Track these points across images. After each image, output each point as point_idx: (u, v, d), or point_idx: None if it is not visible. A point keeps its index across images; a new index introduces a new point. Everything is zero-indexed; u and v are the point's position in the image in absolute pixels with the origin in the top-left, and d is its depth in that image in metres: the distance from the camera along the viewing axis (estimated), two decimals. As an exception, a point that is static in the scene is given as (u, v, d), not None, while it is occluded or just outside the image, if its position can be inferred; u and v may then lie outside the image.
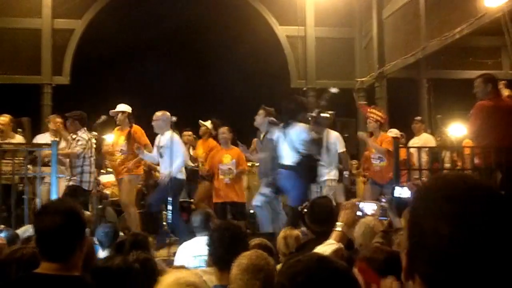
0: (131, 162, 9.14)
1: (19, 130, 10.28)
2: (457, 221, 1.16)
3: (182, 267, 3.82)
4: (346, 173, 9.81)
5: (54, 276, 2.57)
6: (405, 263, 1.26)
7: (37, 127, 12.47)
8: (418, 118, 11.35)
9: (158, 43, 16.32)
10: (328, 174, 8.96)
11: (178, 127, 9.41)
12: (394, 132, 10.66)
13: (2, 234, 5.18)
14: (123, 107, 9.37)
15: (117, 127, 9.52)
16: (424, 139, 10.44)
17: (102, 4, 14.60)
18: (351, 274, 1.87)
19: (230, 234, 3.77)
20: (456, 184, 1.22)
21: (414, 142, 10.36)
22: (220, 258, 3.68)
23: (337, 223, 3.84)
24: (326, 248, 3.62)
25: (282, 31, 15.02)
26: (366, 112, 10.09)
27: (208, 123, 10.38)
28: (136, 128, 9.32)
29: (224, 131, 9.78)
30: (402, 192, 4.91)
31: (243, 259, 3.12)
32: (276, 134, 8.07)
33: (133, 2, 15.76)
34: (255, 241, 4.86)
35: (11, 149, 8.53)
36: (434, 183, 1.27)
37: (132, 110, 9.43)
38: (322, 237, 4.05)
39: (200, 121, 10.46)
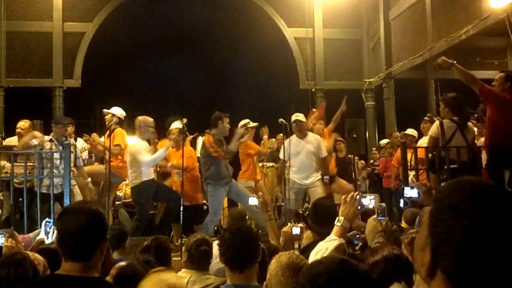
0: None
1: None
2: (483, 217, 1.24)
3: (164, 269, 3.85)
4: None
5: (76, 278, 2.65)
6: (428, 260, 1.31)
7: (49, 130, 12.61)
8: (427, 118, 11.39)
9: (168, 45, 16.37)
10: None
11: (188, 129, 9.51)
12: (411, 131, 10.77)
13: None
14: (116, 110, 9.43)
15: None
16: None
17: (113, 7, 14.68)
18: (372, 276, 1.87)
19: (242, 235, 3.78)
20: (477, 185, 1.32)
21: (423, 141, 10.38)
22: (231, 258, 3.74)
23: (338, 217, 3.69)
24: (328, 244, 3.51)
25: (290, 33, 15.10)
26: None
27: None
28: (119, 130, 9.40)
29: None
30: (411, 192, 4.86)
31: (283, 257, 3.11)
32: None
33: (143, 5, 15.85)
34: None
35: (23, 152, 8.61)
36: (456, 184, 1.35)
37: (125, 117, 9.47)
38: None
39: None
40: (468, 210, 1.26)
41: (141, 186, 8.85)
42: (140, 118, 9.08)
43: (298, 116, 9.44)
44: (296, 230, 5.55)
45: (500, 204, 1.27)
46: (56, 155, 8.56)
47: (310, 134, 9.57)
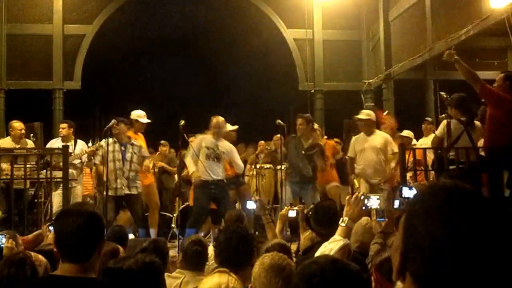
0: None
1: (31, 134, 10.42)
2: (452, 225, 1.23)
3: (224, 270, 3.87)
4: None
5: (73, 279, 2.66)
6: (397, 262, 1.32)
7: (49, 132, 12.62)
8: (429, 119, 11.39)
9: (168, 47, 16.38)
10: None
11: (187, 130, 9.49)
12: (406, 133, 10.75)
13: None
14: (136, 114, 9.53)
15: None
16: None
17: (112, 9, 14.69)
18: (364, 276, 1.91)
19: (238, 236, 3.77)
20: (451, 191, 1.31)
21: (423, 142, 10.36)
22: (226, 259, 3.74)
23: (342, 217, 3.72)
24: (333, 245, 3.55)
25: (290, 34, 15.08)
26: (381, 118, 10.23)
27: None
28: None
29: None
30: (410, 193, 4.87)
31: (266, 258, 3.12)
32: None
33: (143, 7, 15.86)
34: (274, 241, 4.89)
35: (23, 154, 8.62)
36: (431, 189, 1.34)
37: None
38: (328, 239, 4.09)
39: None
40: (437, 216, 1.26)
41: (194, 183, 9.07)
42: (214, 119, 9.16)
43: (361, 114, 9.59)
44: (292, 213, 5.56)
45: (470, 211, 1.26)
46: (119, 156, 8.82)
47: (377, 131, 9.63)
